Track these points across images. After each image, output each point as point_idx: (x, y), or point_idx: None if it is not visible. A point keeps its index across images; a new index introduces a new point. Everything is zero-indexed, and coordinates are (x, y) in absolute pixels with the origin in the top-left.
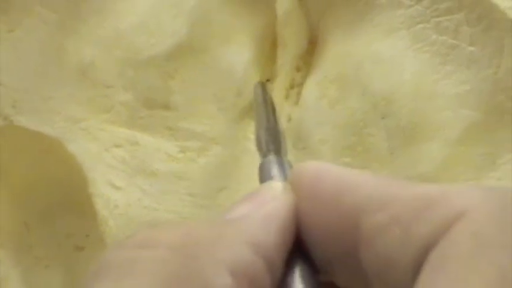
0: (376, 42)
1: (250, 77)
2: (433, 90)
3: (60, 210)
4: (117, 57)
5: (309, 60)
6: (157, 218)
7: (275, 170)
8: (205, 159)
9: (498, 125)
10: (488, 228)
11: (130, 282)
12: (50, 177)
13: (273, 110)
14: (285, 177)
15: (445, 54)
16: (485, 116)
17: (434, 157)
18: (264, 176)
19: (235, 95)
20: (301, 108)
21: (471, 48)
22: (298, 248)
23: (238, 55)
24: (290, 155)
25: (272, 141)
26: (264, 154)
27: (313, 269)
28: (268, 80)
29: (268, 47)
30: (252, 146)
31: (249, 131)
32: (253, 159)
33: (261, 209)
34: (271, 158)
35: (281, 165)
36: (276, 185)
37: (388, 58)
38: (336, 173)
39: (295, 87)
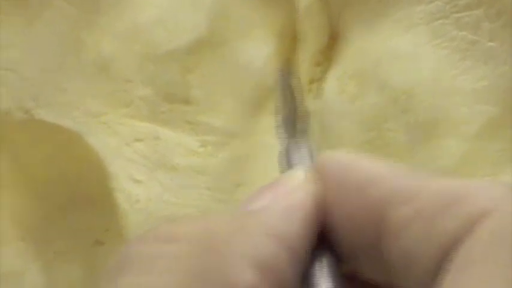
0: (395, 37)
1: (270, 72)
2: (451, 86)
3: (80, 204)
4: (137, 51)
5: (329, 55)
6: (177, 213)
7: (297, 157)
8: (224, 153)
9: None
10: None
11: (152, 278)
12: (70, 171)
13: (298, 92)
14: (308, 163)
15: (465, 49)
16: (503, 112)
17: (453, 152)
18: (286, 162)
19: (254, 89)
20: (321, 103)
21: (490, 44)
22: (323, 238)
23: (257, 50)
24: None
25: (295, 125)
26: (286, 138)
27: (337, 259)
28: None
29: (288, 42)
30: (270, 140)
31: (268, 125)
32: (272, 153)
33: (283, 199)
34: (294, 143)
35: (305, 150)
36: (298, 174)
37: (408, 53)
38: (363, 164)
39: (315, 82)
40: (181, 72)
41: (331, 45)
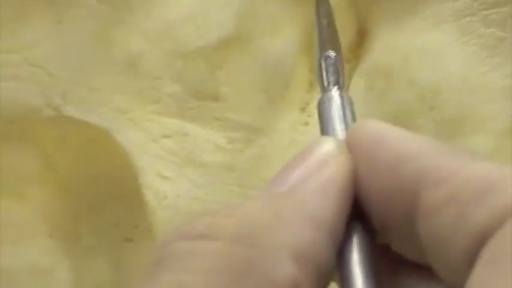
0: (423, 34)
1: (298, 69)
2: (480, 83)
3: (109, 200)
4: (165, 48)
5: (358, 52)
6: (206, 209)
7: (336, 118)
8: (252, 150)
9: None
10: None
11: (193, 276)
12: (99, 168)
13: (334, 31)
14: (345, 122)
15: (492, 46)
16: None
17: (481, 150)
18: (324, 116)
19: (282, 86)
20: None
21: None
22: (355, 211)
23: (286, 46)
24: None
25: (332, 71)
26: (323, 87)
27: (370, 232)
28: None
29: None
30: (298, 136)
31: (297, 122)
32: (299, 150)
33: (317, 175)
34: (332, 95)
35: (342, 104)
36: (329, 145)
37: (436, 51)
38: (397, 137)
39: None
40: (209, 69)
41: (359, 43)
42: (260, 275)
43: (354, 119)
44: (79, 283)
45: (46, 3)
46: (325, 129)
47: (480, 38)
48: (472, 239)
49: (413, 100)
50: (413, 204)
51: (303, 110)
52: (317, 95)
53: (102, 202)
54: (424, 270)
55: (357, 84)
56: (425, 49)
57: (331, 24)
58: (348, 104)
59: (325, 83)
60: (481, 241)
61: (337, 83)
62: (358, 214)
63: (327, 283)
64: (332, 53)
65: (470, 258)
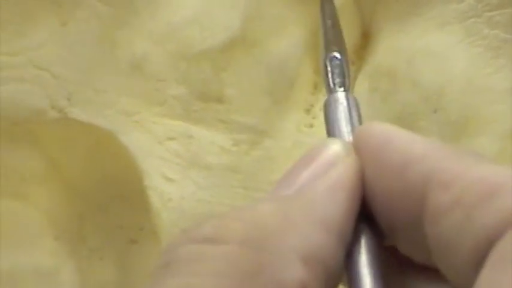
0: (428, 35)
1: (303, 70)
2: (484, 84)
3: (115, 202)
4: (170, 51)
5: (362, 54)
6: (211, 211)
7: (342, 119)
8: (258, 152)
9: None
10: None
11: (202, 280)
12: (104, 170)
13: (339, 32)
14: (351, 123)
15: (497, 48)
16: None
17: (486, 151)
18: (331, 117)
19: (287, 87)
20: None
21: None
22: (363, 212)
23: (290, 48)
24: None
25: (338, 73)
26: (329, 88)
27: (378, 234)
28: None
29: None
30: (304, 138)
31: (302, 124)
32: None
33: (325, 177)
34: (338, 96)
35: (348, 105)
36: (337, 147)
37: (440, 52)
38: (404, 139)
39: None
40: (214, 71)
41: (363, 45)
42: (269, 278)
43: (360, 120)
44: (84, 285)
45: (51, 5)
46: (331, 130)
47: (484, 40)
48: (478, 242)
49: (418, 101)
50: (420, 206)
51: (307, 111)
52: (322, 97)
53: (107, 204)
54: (432, 272)
55: (361, 86)
56: (429, 50)
57: (336, 25)
58: (354, 105)
59: (331, 85)
60: (487, 243)
61: (342, 84)
62: (366, 216)
63: (336, 285)
64: (337, 55)
65: (477, 261)
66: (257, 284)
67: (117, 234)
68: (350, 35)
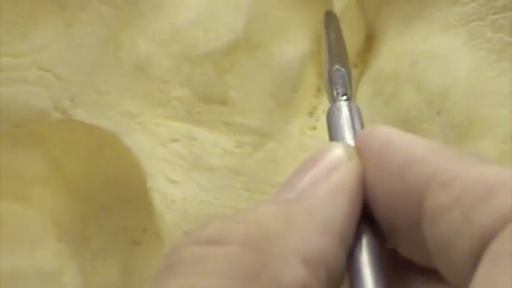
0: (431, 38)
1: (307, 73)
2: (488, 87)
3: (118, 204)
4: (174, 52)
5: (366, 57)
6: (214, 213)
7: (345, 126)
8: (261, 154)
9: None
10: None
11: (204, 281)
12: (107, 172)
13: (343, 46)
14: (353, 130)
15: (501, 51)
16: None
17: (488, 154)
18: (333, 125)
19: (291, 90)
20: (357, 104)
21: None
22: (364, 215)
23: (295, 50)
24: None
25: (341, 83)
26: (332, 98)
27: (379, 236)
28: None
29: None
30: (307, 141)
31: (305, 127)
32: (308, 154)
33: (327, 180)
34: (341, 105)
35: (350, 113)
36: (337, 150)
37: (444, 55)
38: (405, 142)
39: None
40: (218, 73)
41: (367, 48)
42: (271, 279)
43: (362, 127)
44: (87, 286)
45: (55, 7)
46: (334, 137)
47: (488, 43)
48: (476, 242)
49: (421, 104)
50: (420, 207)
51: (311, 114)
52: (325, 100)
53: (111, 205)
54: (432, 274)
55: (365, 89)
56: (433, 53)
57: (339, 38)
58: (356, 113)
59: (334, 94)
60: (484, 243)
61: (345, 94)
62: (368, 218)
63: (337, 286)
64: (340, 67)
65: (475, 261)
66: (259, 284)
67: (120, 236)
68: (354, 38)
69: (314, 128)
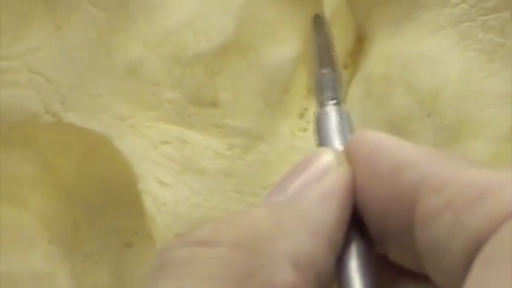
0: (422, 40)
1: (297, 74)
2: (479, 88)
3: (109, 206)
4: (165, 55)
5: (356, 58)
6: (205, 215)
7: (334, 131)
8: (252, 156)
9: None
10: None
11: (194, 283)
12: (99, 174)
13: (331, 49)
14: (343, 135)
15: (492, 52)
16: None
17: (480, 155)
18: (322, 129)
19: (281, 92)
20: (347, 106)
21: None
22: (354, 220)
23: (285, 52)
24: None
25: (330, 87)
26: (321, 102)
27: (369, 241)
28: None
29: None
30: (298, 142)
31: (296, 128)
32: (299, 156)
33: (317, 185)
34: (330, 109)
35: (340, 118)
36: (327, 155)
37: (434, 56)
38: (395, 146)
39: (343, 84)
40: (208, 75)
41: (358, 49)
42: (261, 282)
43: (352, 132)
44: None
45: (46, 10)
46: (323, 141)
47: (479, 44)
48: (468, 245)
49: (412, 106)
50: (411, 211)
51: (301, 115)
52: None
53: (102, 208)
54: (422, 279)
55: (356, 90)
56: (423, 55)
57: (328, 42)
58: (345, 118)
59: (323, 98)
60: (476, 247)
61: (334, 98)
62: (357, 223)
63: None
64: (329, 72)
65: (467, 264)
66: (251, 286)
67: (112, 238)
68: (344, 39)
69: (305, 130)
